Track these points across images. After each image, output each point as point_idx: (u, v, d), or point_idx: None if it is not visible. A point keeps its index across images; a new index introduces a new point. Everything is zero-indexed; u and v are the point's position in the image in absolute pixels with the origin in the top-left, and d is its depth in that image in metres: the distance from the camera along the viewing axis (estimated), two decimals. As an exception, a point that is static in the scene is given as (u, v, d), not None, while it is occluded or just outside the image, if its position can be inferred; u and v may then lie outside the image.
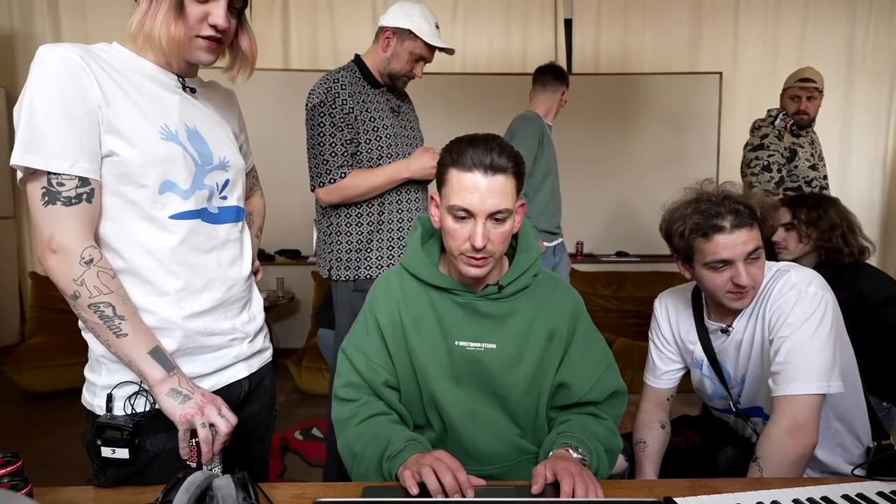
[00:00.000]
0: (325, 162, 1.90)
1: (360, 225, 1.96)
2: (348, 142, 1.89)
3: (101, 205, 1.00)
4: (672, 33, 4.68)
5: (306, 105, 1.93)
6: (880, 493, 1.00)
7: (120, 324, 0.97)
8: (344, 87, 1.90)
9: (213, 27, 1.02)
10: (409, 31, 1.91)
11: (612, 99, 4.61)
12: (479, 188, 1.09)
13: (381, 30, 1.96)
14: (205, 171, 1.08)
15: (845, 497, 0.99)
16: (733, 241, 1.28)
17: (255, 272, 1.25)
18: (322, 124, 1.89)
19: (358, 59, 2.00)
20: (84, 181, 0.95)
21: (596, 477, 1.03)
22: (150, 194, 1.01)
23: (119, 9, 4.34)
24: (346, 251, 1.96)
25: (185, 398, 0.99)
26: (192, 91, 1.12)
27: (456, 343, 1.19)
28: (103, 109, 0.96)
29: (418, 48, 1.93)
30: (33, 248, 4.60)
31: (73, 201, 0.95)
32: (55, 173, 0.93)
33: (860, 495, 1.00)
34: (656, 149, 4.65)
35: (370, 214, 1.96)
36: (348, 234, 1.96)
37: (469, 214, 1.11)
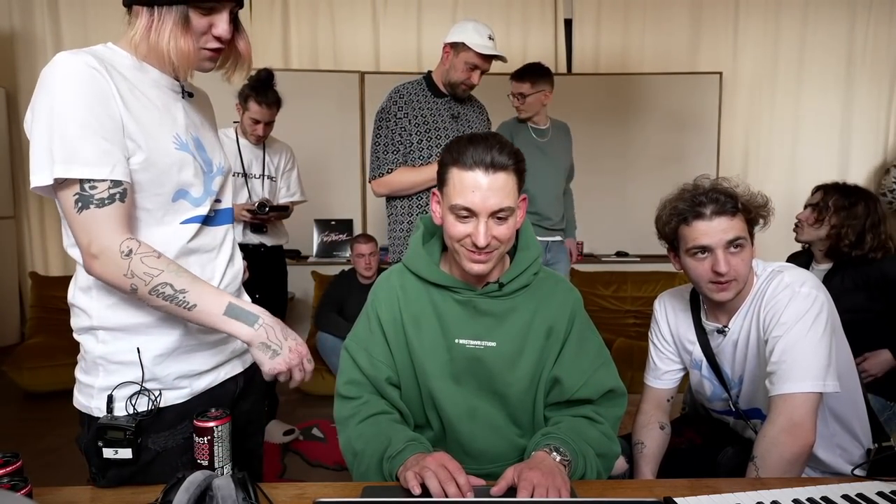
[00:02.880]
0: (377, 159, 2.21)
1: (410, 214, 2.23)
2: (399, 143, 2.17)
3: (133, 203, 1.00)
4: (672, 33, 4.68)
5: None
6: (880, 493, 1.00)
7: (184, 297, 0.97)
8: (403, 96, 2.20)
9: (218, 38, 1.03)
10: (463, 44, 2.16)
11: (612, 99, 4.61)
12: (481, 187, 1.09)
13: (443, 46, 2.24)
14: (210, 178, 1.11)
15: (845, 497, 0.99)
16: (713, 228, 1.30)
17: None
18: (380, 127, 2.20)
19: (428, 73, 2.30)
20: (117, 182, 0.96)
21: (594, 479, 1.03)
22: (163, 202, 1.03)
23: (119, 10, 4.33)
24: (396, 237, 2.26)
25: (274, 353, 1.01)
26: (190, 95, 1.14)
27: (456, 341, 1.19)
28: (124, 120, 0.97)
29: (471, 58, 2.18)
30: (33, 248, 4.60)
31: (107, 202, 0.95)
32: (88, 178, 0.93)
33: (860, 495, 1.00)
34: (656, 149, 4.65)
35: (419, 206, 2.21)
36: (401, 221, 2.24)
37: (471, 213, 1.11)
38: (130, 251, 0.95)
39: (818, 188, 2.15)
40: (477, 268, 1.14)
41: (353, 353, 1.23)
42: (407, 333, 1.21)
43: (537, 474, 0.99)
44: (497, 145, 1.11)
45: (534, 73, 2.86)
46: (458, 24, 2.24)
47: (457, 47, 2.18)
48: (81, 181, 0.94)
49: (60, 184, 0.94)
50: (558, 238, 2.98)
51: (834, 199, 2.03)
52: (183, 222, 1.06)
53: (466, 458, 1.19)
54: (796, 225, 2.14)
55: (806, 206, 2.14)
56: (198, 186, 1.07)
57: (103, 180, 0.94)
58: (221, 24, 1.03)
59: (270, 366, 1.00)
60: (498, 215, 1.11)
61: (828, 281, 2.07)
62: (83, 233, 0.95)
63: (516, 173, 1.13)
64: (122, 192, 0.97)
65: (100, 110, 0.94)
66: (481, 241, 1.09)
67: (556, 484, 0.98)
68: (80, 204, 0.94)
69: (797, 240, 2.17)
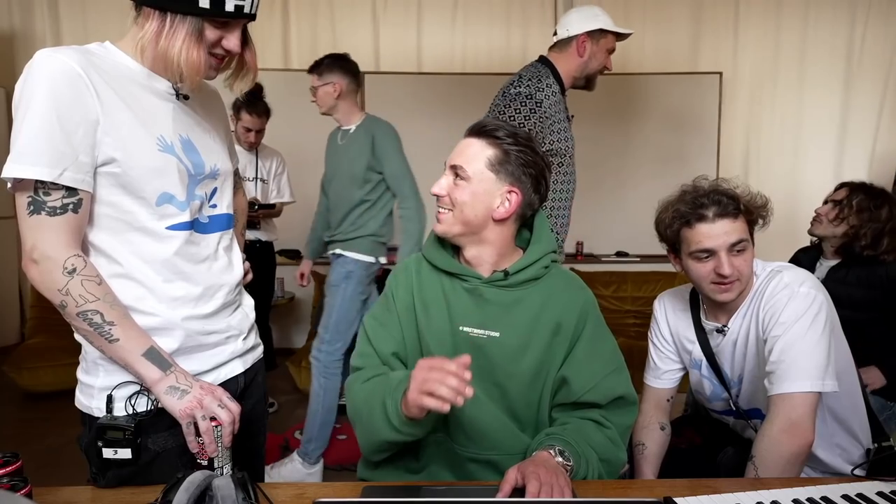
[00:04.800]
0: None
1: None
2: (539, 134, 1.92)
3: (92, 214, 0.99)
4: (672, 33, 4.67)
5: (509, 90, 1.97)
6: (880, 493, 1.01)
7: (110, 329, 0.97)
8: (555, 93, 1.99)
9: (227, 51, 1.03)
10: (601, 30, 2.04)
11: (612, 99, 4.60)
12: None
13: (572, 39, 2.05)
14: (196, 182, 1.09)
15: (845, 497, 0.99)
16: (716, 231, 1.30)
17: (244, 273, 1.25)
18: (532, 110, 1.92)
19: (552, 66, 2.06)
20: (72, 192, 0.95)
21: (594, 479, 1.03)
22: (147, 206, 1.02)
23: (119, 10, 4.34)
24: None
25: (183, 393, 1.00)
26: (186, 98, 1.11)
27: (460, 328, 1.20)
28: (101, 121, 0.96)
29: (610, 42, 2.08)
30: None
31: (58, 211, 0.94)
32: (42, 183, 0.93)
33: (860, 495, 1.00)
34: (656, 149, 4.65)
35: None
36: None
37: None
38: (74, 270, 0.95)
39: (843, 185, 2.13)
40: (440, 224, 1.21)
41: (368, 327, 1.28)
42: (417, 317, 1.24)
43: (542, 470, 0.99)
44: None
45: (320, 65, 2.55)
46: (579, 12, 2.07)
47: (595, 36, 2.05)
48: (36, 186, 0.93)
49: (18, 182, 0.93)
50: (336, 251, 2.64)
51: (859, 199, 2.01)
52: (169, 227, 1.04)
53: (468, 441, 1.20)
54: (814, 218, 2.13)
55: (827, 201, 2.12)
56: (181, 190, 1.05)
57: (57, 188, 0.93)
58: (233, 39, 1.02)
59: (181, 406, 0.98)
60: (458, 172, 1.18)
61: (833, 273, 2.07)
62: (29, 235, 0.94)
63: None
64: (77, 203, 0.95)
65: (66, 111, 0.93)
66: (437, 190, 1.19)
67: (560, 483, 0.99)
68: (31, 208, 0.93)
69: (811, 233, 2.16)
